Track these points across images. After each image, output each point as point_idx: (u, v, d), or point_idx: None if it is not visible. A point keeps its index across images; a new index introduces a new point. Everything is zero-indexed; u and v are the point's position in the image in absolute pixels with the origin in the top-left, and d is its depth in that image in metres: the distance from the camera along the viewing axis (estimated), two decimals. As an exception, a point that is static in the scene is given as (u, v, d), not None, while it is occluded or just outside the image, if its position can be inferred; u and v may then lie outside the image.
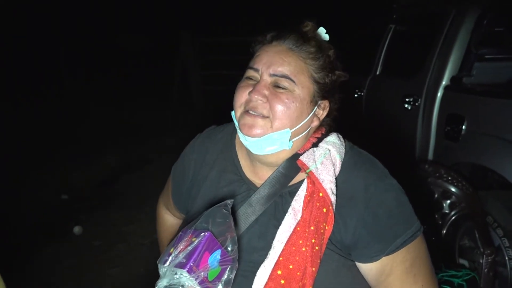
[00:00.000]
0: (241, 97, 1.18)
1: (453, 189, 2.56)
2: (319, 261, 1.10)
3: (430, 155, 3.06)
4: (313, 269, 1.08)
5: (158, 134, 7.05)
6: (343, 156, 1.20)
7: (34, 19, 12.23)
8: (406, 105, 3.25)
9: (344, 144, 1.24)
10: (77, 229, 3.94)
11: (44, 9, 12.36)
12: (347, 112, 4.28)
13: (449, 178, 2.58)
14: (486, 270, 2.22)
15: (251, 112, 1.15)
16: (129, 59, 13.88)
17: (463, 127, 2.75)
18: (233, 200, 1.09)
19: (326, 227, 1.11)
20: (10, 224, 3.84)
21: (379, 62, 3.95)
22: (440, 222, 2.61)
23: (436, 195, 2.60)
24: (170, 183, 1.45)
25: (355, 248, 1.14)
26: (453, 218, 2.60)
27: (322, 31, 1.25)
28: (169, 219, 1.58)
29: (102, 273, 3.29)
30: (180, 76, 8.73)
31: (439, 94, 3.00)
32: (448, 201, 2.59)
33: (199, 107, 8.83)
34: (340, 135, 1.27)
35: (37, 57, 11.54)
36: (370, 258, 1.14)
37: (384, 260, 1.13)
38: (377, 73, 3.96)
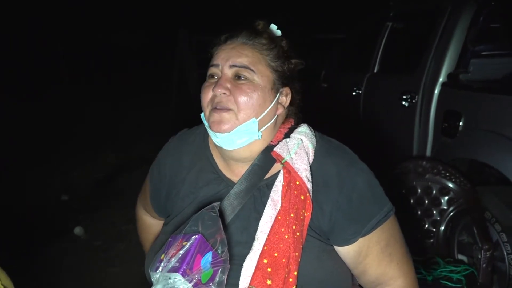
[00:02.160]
0: (207, 95, 1.22)
1: (451, 185, 2.58)
2: (301, 246, 1.14)
3: (428, 152, 3.08)
4: (296, 254, 1.12)
5: (157, 132, 7.03)
6: (315, 145, 1.25)
7: (33, 18, 12.19)
8: (404, 102, 3.26)
9: (314, 134, 1.29)
10: (78, 230, 3.94)
11: (42, 7, 12.32)
12: (345, 110, 4.28)
13: (447, 174, 2.59)
14: (484, 265, 2.23)
15: (217, 108, 1.19)
16: (127, 56, 13.85)
17: (460, 123, 2.76)
18: (219, 203, 1.11)
19: (305, 214, 1.16)
20: (11, 224, 3.84)
21: (376, 60, 3.96)
22: (438, 218, 2.62)
23: (434, 191, 2.62)
24: (148, 187, 1.47)
25: (332, 233, 1.19)
26: (452, 214, 2.61)
27: (273, 27, 1.31)
28: (148, 220, 1.60)
29: (102, 272, 3.30)
30: (178, 74, 8.72)
31: (436, 91, 3.01)
32: (446, 197, 2.60)
33: (197, 105, 8.81)
34: (310, 126, 1.32)
35: (35, 56, 11.51)
36: (347, 240, 1.19)
37: (361, 241, 1.18)
38: (375, 70, 3.97)
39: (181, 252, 0.97)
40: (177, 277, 0.95)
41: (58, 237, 3.86)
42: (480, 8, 2.96)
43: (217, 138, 1.21)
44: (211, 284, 0.99)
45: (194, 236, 0.99)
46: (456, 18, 3.01)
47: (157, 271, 0.97)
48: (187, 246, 0.97)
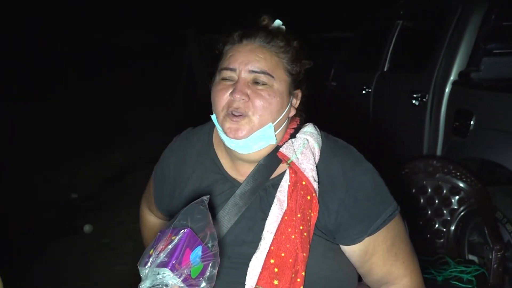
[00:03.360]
0: (222, 99, 1.18)
1: (461, 185, 2.56)
2: (308, 246, 1.14)
3: (439, 151, 3.05)
4: (304, 254, 1.12)
5: (164, 131, 7.04)
6: (321, 144, 1.24)
7: (36, 17, 12.26)
8: (414, 101, 3.24)
9: (320, 133, 1.28)
10: (87, 228, 3.98)
11: (43, 7, 12.39)
12: (354, 108, 4.26)
13: (458, 173, 2.57)
14: (495, 265, 2.21)
15: (234, 113, 1.16)
16: (132, 56, 13.88)
17: (472, 122, 2.74)
18: (209, 196, 1.10)
19: (312, 214, 1.16)
20: (21, 222, 3.87)
21: (386, 58, 3.93)
22: (449, 218, 2.60)
23: (444, 191, 2.60)
24: (152, 187, 1.46)
25: (338, 232, 1.19)
26: (462, 214, 2.59)
27: (279, 22, 1.28)
28: (152, 219, 1.59)
29: (110, 270, 3.32)
30: (186, 74, 8.74)
31: (447, 90, 2.99)
32: (457, 197, 2.58)
33: (204, 104, 8.81)
34: (315, 126, 1.31)
35: (41, 56, 11.57)
36: (353, 240, 1.19)
37: (367, 241, 1.18)
38: (385, 69, 3.94)
39: (170, 246, 0.95)
40: (166, 272, 0.93)
41: (66, 235, 3.88)
42: (491, 6, 2.93)
43: (232, 143, 1.19)
44: (201, 278, 0.97)
45: (182, 230, 0.97)
46: (468, 16, 2.98)
47: (146, 266, 0.96)
48: (176, 241, 0.96)
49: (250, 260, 1.13)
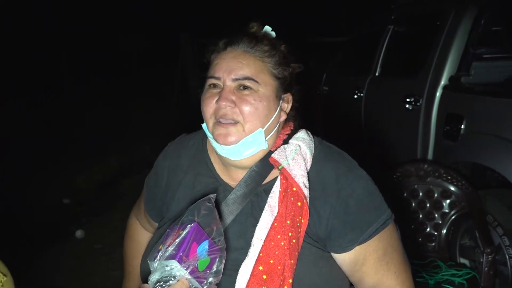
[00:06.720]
0: (209, 107, 1.20)
1: (452, 189, 2.58)
2: (296, 253, 1.13)
3: (430, 155, 3.07)
4: (292, 261, 1.11)
5: (159, 136, 7.02)
6: (313, 150, 1.24)
7: (35, 21, 12.22)
8: (407, 105, 3.25)
9: (313, 139, 1.28)
10: (79, 233, 3.96)
11: (44, 10, 12.36)
12: (346, 113, 4.26)
13: (449, 177, 2.59)
14: (486, 269, 2.23)
15: (222, 121, 1.17)
16: (129, 60, 13.85)
17: (462, 126, 2.76)
18: (215, 194, 1.11)
19: (302, 220, 1.15)
20: (12, 227, 3.84)
21: (378, 63, 3.95)
22: (440, 222, 2.62)
23: (436, 195, 2.61)
24: (144, 191, 1.46)
25: (329, 239, 1.18)
26: (453, 217, 2.61)
27: (268, 29, 1.28)
28: (138, 229, 1.59)
29: (103, 276, 3.30)
30: (180, 78, 8.74)
31: (438, 94, 3.01)
32: (448, 201, 2.60)
33: (198, 108, 8.80)
34: (308, 131, 1.30)
35: (37, 59, 11.52)
36: (343, 248, 1.17)
37: (357, 249, 1.17)
38: (377, 73, 3.96)
39: (178, 240, 0.97)
40: (174, 264, 0.95)
41: (60, 240, 3.86)
42: (481, 11, 2.96)
43: (223, 149, 1.19)
44: (208, 272, 0.99)
45: (189, 225, 0.99)
46: (458, 21, 3.01)
47: (155, 260, 0.98)
48: (183, 234, 0.98)
49: (239, 266, 1.13)
